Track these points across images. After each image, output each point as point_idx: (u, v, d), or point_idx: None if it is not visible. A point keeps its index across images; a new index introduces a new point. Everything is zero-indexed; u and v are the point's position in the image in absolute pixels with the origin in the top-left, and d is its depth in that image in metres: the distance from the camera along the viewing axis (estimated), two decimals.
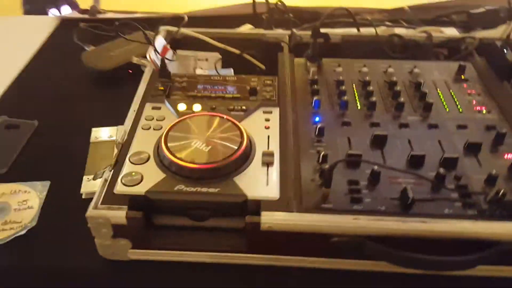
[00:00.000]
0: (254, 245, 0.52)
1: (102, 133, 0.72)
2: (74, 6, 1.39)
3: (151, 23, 0.82)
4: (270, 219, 0.49)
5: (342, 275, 0.52)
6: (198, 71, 0.79)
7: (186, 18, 0.76)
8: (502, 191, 0.49)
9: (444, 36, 0.80)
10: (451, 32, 0.93)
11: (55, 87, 0.85)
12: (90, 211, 0.49)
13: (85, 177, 0.63)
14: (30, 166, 0.68)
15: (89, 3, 1.16)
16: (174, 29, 0.80)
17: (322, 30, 0.75)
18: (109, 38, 0.93)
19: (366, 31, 0.84)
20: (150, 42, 0.70)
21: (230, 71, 0.79)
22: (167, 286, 0.53)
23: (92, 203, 0.50)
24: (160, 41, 0.74)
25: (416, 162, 0.55)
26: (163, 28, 0.81)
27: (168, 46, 0.71)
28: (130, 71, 0.85)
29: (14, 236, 0.57)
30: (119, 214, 0.49)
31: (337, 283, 0.52)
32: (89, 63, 0.86)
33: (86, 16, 1.08)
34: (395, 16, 1.01)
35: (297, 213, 0.50)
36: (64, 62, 0.91)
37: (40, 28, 1.04)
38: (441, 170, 0.52)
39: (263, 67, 0.78)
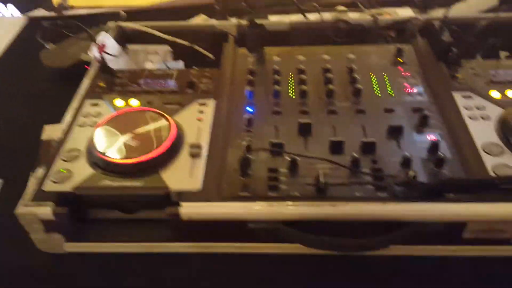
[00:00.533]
0: (179, 234, 0.54)
1: (54, 130, 0.74)
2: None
3: (112, 17, 0.84)
4: (189, 209, 0.51)
5: (262, 259, 0.54)
6: (148, 65, 0.81)
7: (124, 13, 0.78)
8: (411, 174, 0.50)
9: (390, 18, 0.80)
10: (406, 12, 0.93)
11: (16, 86, 0.88)
12: (19, 208, 0.52)
13: (32, 174, 0.66)
14: None
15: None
16: (123, 24, 0.82)
17: (277, 17, 0.75)
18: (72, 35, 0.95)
19: (319, 17, 0.85)
20: (93, 39, 0.72)
21: (180, 64, 0.81)
22: (104, 276, 0.56)
23: (21, 200, 0.53)
24: (105, 38, 0.75)
25: (335, 148, 0.56)
26: (113, 24, 0.83)
27: (107, 44, 0.72)
28: (88, 67, 0.87)
29: None
30: (46, 211, 0.52)
31: (258, 266, 0.54)
32: (47, 61, 0.88)
33: (53, 13, 1.10)
34: None
35: (216, 203, 0.52)
36: (27, 61, 0.94)
37: (8, 28, 1.07)
38: (355, 155, 0.53)
39: (212, 57, 0.79)
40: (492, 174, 0.51)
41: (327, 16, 0.81)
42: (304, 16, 0.83)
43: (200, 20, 0.93)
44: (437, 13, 0.90)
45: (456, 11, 0.92)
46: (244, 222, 0.51)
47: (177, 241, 0.55)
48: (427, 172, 0.53)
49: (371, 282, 0.53)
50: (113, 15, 0.97)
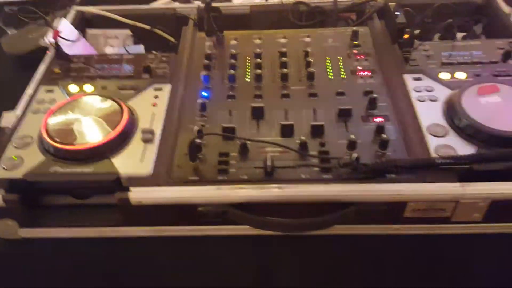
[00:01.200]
0: (130, 219, 0.55)
1: (12, 117, 0.74)
2: None
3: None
4: (138, 194, 0.52)
5: (212, 243, 0.56)
6: (108, 49, 0.80)
7: (83, 8, 0.77)
8: (353, 156, 0.51)
9: (349, 1, 0.80)
10: None
11: None
12: None
13: None
14: None
15: None
16: (82, 8, 0.81)
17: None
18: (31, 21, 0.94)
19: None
20: (49, 25, 0.71)
21: (140, 48, 0.81)
22: (59, 260, 0.57)
23: None
24: (63, 23, 0.75)
25: (286, 131, 0.57)
26: (74, 8, 0.82)
27: (63, 29, 0.71)
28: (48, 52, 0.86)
29: None
30: None
31: (208, 250, 0.56)
32: (7, 47, 0.87)
33: None
34: None
35: (165, 187, 0.53)
36: None
37: None
38: (303, 138, 0.54)
39: (174, 41, 0.79)
40: (433, 154, 0.53)
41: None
42: None
43: (162, 3, 0.92)
44: None
45: None
46: (194, 206, 0.52)
47: (129, 226, 0.56)
48: (372, 153, 0.54)
49: (318, 261, 0.55)
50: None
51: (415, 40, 0.69)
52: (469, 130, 0.54)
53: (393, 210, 0.52)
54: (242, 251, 0.56)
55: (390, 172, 0.52)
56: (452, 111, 0.57)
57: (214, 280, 0.57)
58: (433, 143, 0.54)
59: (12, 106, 0.75)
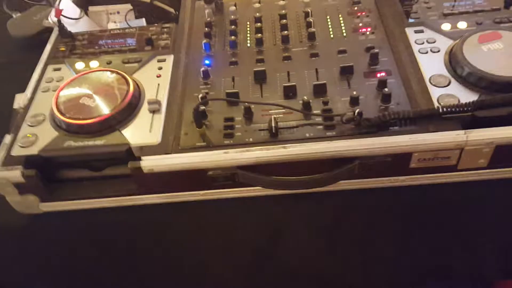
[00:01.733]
0: (144, 187, 0.57)
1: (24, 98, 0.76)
2: None
3: None
4: (150, 162, 0.54)
5: (223, 205, 0.57)
6: (111, 25, 0.81)
7: None
8: (357, 110, 0.52)
9: None
10: None
11: None
12: None
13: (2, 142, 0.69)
14: None
15: None
16: None
17: None
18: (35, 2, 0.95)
19: None
20: (51, 4, 0.72)
21: (142, 22, 0.81)
22: (79, 232, 0.60)
23: None
24: (64, 1, 0.76)
25: (289, 92, 0.58)
26: None
27: (65, 7, 0.72)
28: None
29: None
30: (16, 174, 0.55)
31: (218, 211, 0.58)
32: (13, 30, 0.88)
33: None
34: None
35: (174, 154, 0.54)
36: None
37: None
38: (305, 98, 0.55)
39: (173, 11, 0.79)
40: (437, 104, 0.53)
41: None
42: None
43: None
44: None
45: None
46: (204, 171, 0.54)
47: (143, 194, 0.58)
48: (375, 108, 0.55)
49: (327, 218, 0.56)
50: None
51: None
52: (471, 78, 0.55)
53: (398, 162, 0.53)
54: (253, 212, 0.58)
55: (393, 125, 0.52)
56: (454, 60, 0.57)
57: (227, 242, 0.59)
58: (436, 93, 0.55)
59: (21, 88, 0.77)
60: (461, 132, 0.51)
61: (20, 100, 0.75)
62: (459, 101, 0.53)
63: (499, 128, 0.51)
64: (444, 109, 0.52)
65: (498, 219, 0.57)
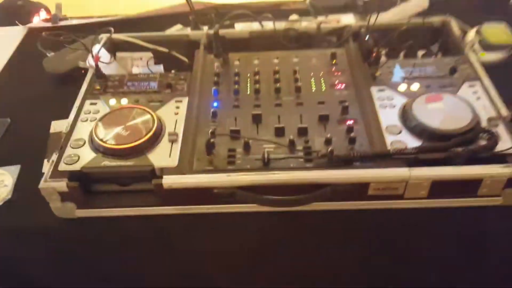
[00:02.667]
0: (165, 200, 0.72)
1: (59, 125, 0.92)
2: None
3: (104, 25, 1.00)
4: (169, 180, 0.70)
5: (224, 217, 0.73)
6: (135, 69, 0.98)
7: (113, 30, 0.95)
8: (329, 149, 0.69)
9: (329, 26, 0.98)
10: (348, 18, 1.11)
11: (24, 90, 1.04)
12: (42, 184, 0.70)
13: (45, 160, 0.84)
14: (5, 154, 0.88)
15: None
16: (113, 35, 0.99)
17: (242, 25, 0.94)
18: (67, 43, 1.11)
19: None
20: (89, 50, 0.89)
21: (160, 68, 0.98)
22: (106, 234, 0.75)
23: (43, 178, 0.71)
24: (97, 48, 0.93)
25: (279, 132, 0.75)
26: (103, 35, 1.00)
27: (100, 54, 0.89)
28: (83, 71, 1.04)
29: None
30: (62, 185, 0.70)
31: (221, 222, 0.73)
32: (49, 68, 1.05)
33: (49, 24, 1.26)
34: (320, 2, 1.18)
35: (188, 175, 0.70)
36: (31, 67, 1.10)
37: (11, 37, 1.23)
38: (291, 137, 0.72)
39: (187, 61, 0.96)
40: (389, 147, 0.70)
41: (280, 25, 0.99)
42: (261, 25, 1.01)
43: (177, 29, 1.10)
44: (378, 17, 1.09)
45: (389, 15, 1.12)
46: (210, 189, 0.70)
47: (162, 206, 0.73)
48: (343, 148, 0.72)
49: (303, 231, 0.72)
50: (103, 24, 1.16)
51: (384, 58, 0.88)
52: (416, 129, 0.72)
53: (359, 190, 0.70)
54: (247, 224, 0.73)
55: (356, 161, 0.69)
56: (405, 115, 0.75)
57: (225, 246, 0.75)
58: (390, 139, 0.72)
59: (55, 116, 0.92)
60: (406, 169, 0.68)
61: (56, 126, 0.91)
62: (406, 146, 0.70)
63: (435, 168, 0.68)
64: (395, 152, 0.69)
65: (435, 238, 0.74)
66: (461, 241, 0.74)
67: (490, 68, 0.91)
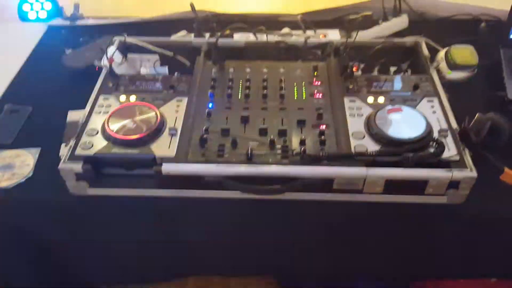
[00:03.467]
0: (162, 184, 0.86)
1: (75, 114, 1.05)
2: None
3: (118, 27, 1.13)
4: (167, 168, 0.83)
5: (212, 201, 0.87)
6: (143, 70, 1.12)
7: (126, 35, 1.09)
8: (302, 148, 0.83)
9: (315, 41, 1.11)
10: (334, 34, 1.24)
11: (44, 82, 1.18)
12: (61, 165, 0.84)
13: (62, 145, 0.97)
14: (27, 138, 1.02)
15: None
16: (127, 38, 1.12)
17: (240, 35, 1.08)
18: (84, 41, 1.25)
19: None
20: (104, 51, 1.03)
21: (165, 69, 1.12)
22: (112, 210, 0.89)
23: (62, 160, 0.85)
24: (112, 50, 1.06)
25: (262, 132, 0.88)
26: (116, 38, 1.13)
27: (114, 56, 1.03)
28: (98, 69, 1.17)
29: (17, 183, 0.91)
30: (78, 167, 0.84)
31: (209, 206, 0.87)
32: (67, 63, 1.19)
33: (68, 22, 1.40)
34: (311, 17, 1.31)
35: (184, 164, 0.84)
36: (51, 62, 1.23)
37: (32, 34, 1.37)
38: (272, 137, 0.86)
39: (188, 64, 1.09)
40: (352, 150, 0.84)
41: (273, 37, 1.13)
42: (256, 37, 1.14)
43: (182, 34, 1.23)
44: (361, 34, 1.22)
45: (371, 33, 1.25)
46: (202, 177, 0.84)
47: (160, 188, 0.87)
48: (315, 148, 0.85)
49: (276, 218, 0.87)
50: (116, 25, 1.30)
51: (360, 72, 1.02)
52: (376, 136, 0.86)
53: (325, 184, 0.83)
54: (231, 208, 0.87)
55: (324, 160, 0.83)
56: (369, 123, 0.88)
57: (212, 228, 0.89)
58: (354, 143, 0.85)
59: (72, 106, 1.05)
60: (364, 169, 0.82)
61: (72, 115, 1.04)
62: (367, 149, 0.84)
63: (389, 169, 0.82)
64: (356, 154, 0.83)
65: (391, 229, 0.88)
66: (410, 231, 0.88)
67: (454, 85, 1.05)
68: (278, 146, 0.86)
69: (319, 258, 0.92)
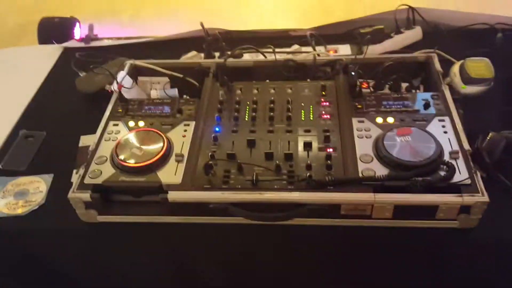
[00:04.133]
0: (169, 211, 0.86)
1: (87, 139, 1.07)
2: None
3: (131, 47, 1.15)
4: (173, 195, 0.84)
5: (218, 227, 0.87)
6: (153, 92, 1.13)
7: (133, 61, 1.10)
8: (308, 174, 0.82)
9: (324, 58, 1.10)
10: (345, 50, 1.23)
11: (58, 106, 1.21)
12: (70, 194, 0.86)
13: (74, 171, 0.99)
14: (41, 164, 1.04)
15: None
16: (137, 62, 1.14)
17: (249, 55, 1.08)
18: (98, 63, 1.27)
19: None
20: (115, 78, 1.04)
21: (175, 91, 1.12)
22: (122, 238, 0.90)
23: (71, 189, 0.86)
24: (121, 74, 1.08)
25: (268, 156, 0.88)
26: (127, 62, 1.14)
27: (124, 80, 1.04)
28: (109, 91, 1.19)
29: (31, 210, 0.94)
30: (86, 196, 0.85)
31: (215, 232, 0.87)
32: (80, 87, 1.21)
33: (82, 44, 1.43)
34: (322, 31, 1.30)
35: (189, 191, 0.84)
36: (65, 85, 1.26)
37: (48, 56, 1.40)
38: (278, 162, 0.85)
39: (197, 85, 1.10)
40: (360, 174, 0.82)
41: (281, 56, 1.12)
42: (264, 56, 1.14)
43: (192, 55, 1.24)
44: (373, 48, 1.20)
45: (384, 47, 1.23)
46: (207, 204, 0.84)
47: (166, 215, 0.87)
48: (321, 173, 0.84)
49: (284, 244, 0.86)
50: (129, 46, 1.31)
51: (370, 90, 1.00)
52: (385, 159, 0.84)
53: (333, 210, 0.82)
54: (236, 234, 0.87)
55: (331, 185, 0.82)
56: (377, 146, 0.86)
57: (216, 253, 0.88)
58: (361, 167, 0.84)
59: (84, 130, 1.07)
60: (372, 194, 0.80)
61: (85, 140, 1.06)
62: (375, 173, 0.82)
63: (397, 194, 0.80)
64: (364, 179, 0.81)
65: (401, 254, 0.86)
66: (420, 257, 0.85)
67: (469, 99, 1.02)
68: (284, 171, 0.85)
69: (326, 284, 0.90)
